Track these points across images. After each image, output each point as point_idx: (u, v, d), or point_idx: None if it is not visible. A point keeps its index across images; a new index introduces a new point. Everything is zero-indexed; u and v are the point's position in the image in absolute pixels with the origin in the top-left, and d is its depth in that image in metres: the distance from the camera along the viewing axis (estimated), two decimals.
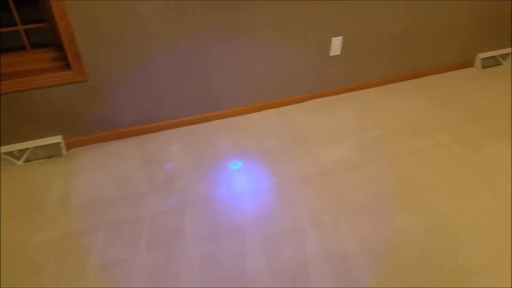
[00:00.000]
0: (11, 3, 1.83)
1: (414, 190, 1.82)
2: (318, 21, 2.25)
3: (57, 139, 2.10)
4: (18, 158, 2.06)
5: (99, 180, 1.96)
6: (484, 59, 2.86)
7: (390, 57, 2.60)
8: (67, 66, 1.96)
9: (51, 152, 2.10)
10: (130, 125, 2.24)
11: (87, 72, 1.98)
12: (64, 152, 2.13)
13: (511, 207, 1.70)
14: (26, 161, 2.07)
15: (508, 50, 2.91)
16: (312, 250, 1.55)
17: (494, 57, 2.90)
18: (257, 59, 2.26)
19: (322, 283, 1.43)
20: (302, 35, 2.26)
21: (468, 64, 2.87)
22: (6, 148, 2.03)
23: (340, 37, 2.35)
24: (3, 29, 1.89)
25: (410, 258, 1.51)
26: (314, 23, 2.25)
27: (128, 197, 1.84)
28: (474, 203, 1.74)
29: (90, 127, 2.16)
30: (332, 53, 2.40)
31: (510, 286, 1.39)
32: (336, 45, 2.36)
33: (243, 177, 1.94)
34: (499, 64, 2.94)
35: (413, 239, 1.58)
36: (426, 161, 1.99)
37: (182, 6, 1.94)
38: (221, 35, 2.10)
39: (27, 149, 2.05)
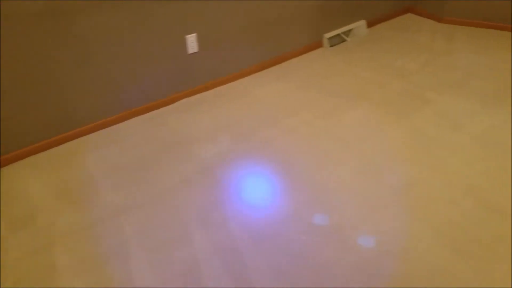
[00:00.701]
0: None
1: (289, 167, 1.92)
2: (167, 21, 2.20)
3: None
4: None
5: None
6: (330, 38, 3.15)
7: (248, 48, 2.69)
8: None
9: None
10: None
11: None
12: None
13: (373, 166, 1.92)
14: None
15: (349, 27, 3.26)
16: (202, 248, 1.53)
17: (338, 35, 3.22)
18: (111, 67, 2.13)
19: (216, 277, 1.42)
20: (154, 36, 2.20)
21: (318, 45, 3.14)
22: None
23: (194, 34, 2.35)
24: None
25: (290, 231, 1.59)
26: (163, 24, 2.20)
27: None
28: (341, 167, 1.91)
29: None
30: (190, 51, 2.38)
31: (380, 240, 1.56)
32: (191, 42, 2.35)
33: (118, 194, 1.82)
34: (343, 41, 3.27)
35: (291, 212, 1.67)
36: (296, 138, 2.12)
37: (9, 26, 1.71)
38: (69, 50, 1.91)
39: None
